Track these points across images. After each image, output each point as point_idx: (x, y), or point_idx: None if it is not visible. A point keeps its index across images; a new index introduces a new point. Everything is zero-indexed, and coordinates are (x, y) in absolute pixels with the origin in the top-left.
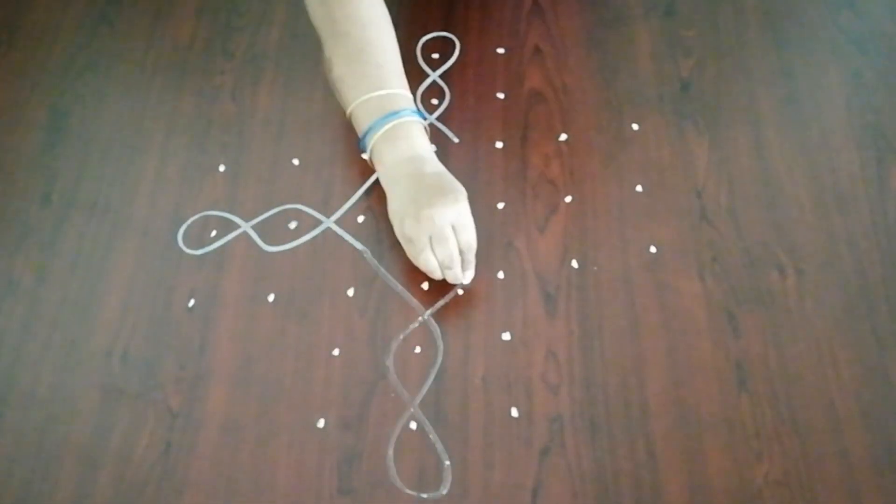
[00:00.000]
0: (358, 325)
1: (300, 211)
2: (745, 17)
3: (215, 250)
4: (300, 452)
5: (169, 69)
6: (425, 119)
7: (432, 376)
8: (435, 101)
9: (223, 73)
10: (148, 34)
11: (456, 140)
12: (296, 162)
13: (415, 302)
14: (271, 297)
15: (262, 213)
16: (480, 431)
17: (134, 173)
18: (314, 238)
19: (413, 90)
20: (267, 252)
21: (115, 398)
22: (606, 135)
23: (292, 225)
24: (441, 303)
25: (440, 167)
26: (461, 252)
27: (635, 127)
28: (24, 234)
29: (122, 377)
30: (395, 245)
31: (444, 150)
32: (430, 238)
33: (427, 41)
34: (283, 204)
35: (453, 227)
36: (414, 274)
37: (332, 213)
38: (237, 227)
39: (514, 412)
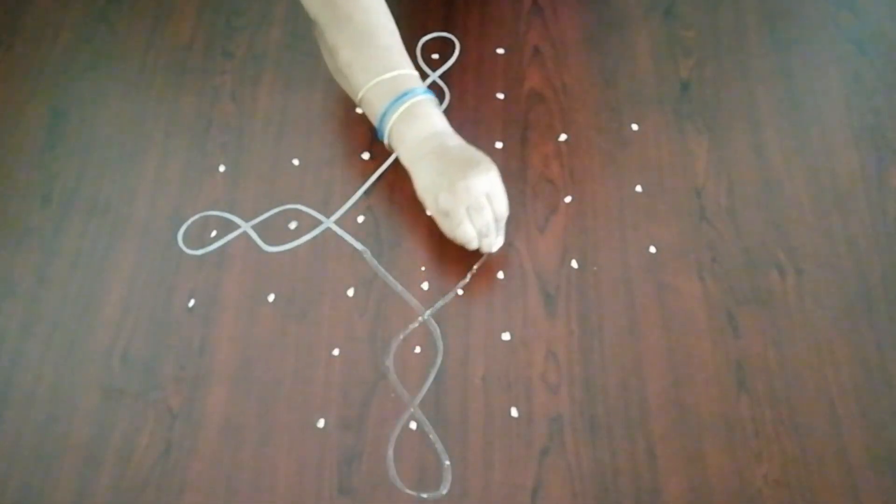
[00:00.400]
0: (358, 325)
1: (300, 211)
2: (745, 17)
3: (215, 250)
4: (300, 452)
5: (169, 69)
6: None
7: (432, 376)
8: None
9: (223, 73)
10: (148, 34)
11: None
12: (296, 162)
13: (415, 302)
14: (271, 297)
15: (262, 214)
16: (480, 431)
17: (134, 173)
18: (314, 238)
19: None
20: (267, 252)
21: (115, 398)
22: (606, 135)
23: (292, 225)
24: (441, 303)
25: (461, 140)
26: (494, 220)
27: (635, 127)
28: (24, 234)
29: (122, 377)
30: (395, 245)
31: None
32: (467, 209)
33: (427, 41)
34: (283, 204)
35: (487, 196)
36: (414, 274)
37: (332, 213)
38: (237, 227)
39: (514, 412)
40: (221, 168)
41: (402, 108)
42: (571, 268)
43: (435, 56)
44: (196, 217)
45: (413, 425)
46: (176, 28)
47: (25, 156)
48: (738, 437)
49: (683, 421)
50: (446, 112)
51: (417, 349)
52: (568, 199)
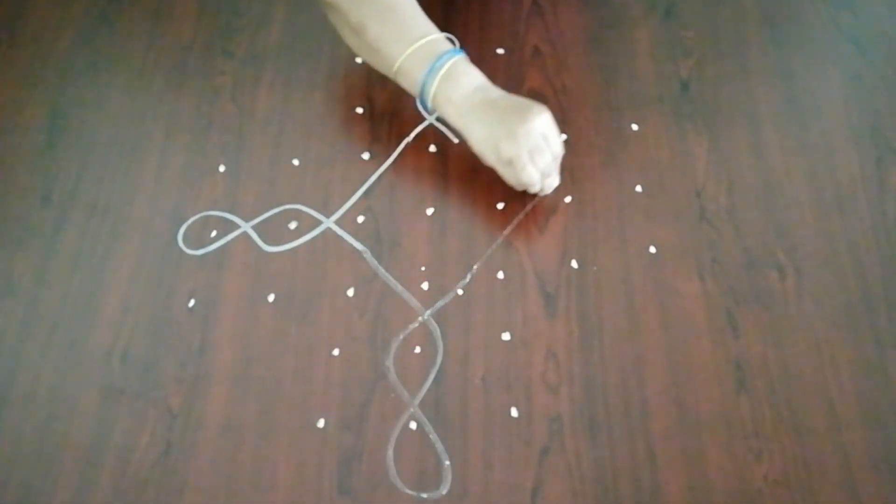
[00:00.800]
0: (358, 325)
1: (300, 211)
2: (745, 18)
3: (215, 250)
4: (300, 452)
5: (169, 69)
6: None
7: (432, 376)
8: None
9: (223, 73)
10: (148, 34)
11: (456, 140)
12: (296, 162)
13: (415, 302)
14: (271, 297)
15: (262, 214)
16: (480, 431)
17: (134, 173)
18: (314, 238)
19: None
20: (267, 252)
21: (115, 398)
22: (606, 135)
23: (292, 225)
24: (441, 303)
25: (503, 91)
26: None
27: (635, 127)
28: (24, 234)
29: (122, 377)
30: (395, 245)
31: (444, 150)
32: (529, 152)
33: None
34: (283, 204)
35: (543, 137)
36: (414, 274)
37: (332, 213)
38: (237, 227)
39: (514, 412)
40: (221, 168)
41: (443, 70)
42: (571, 268)
43: None
44: (196, 217)
45: (413, 425)
46: (176, 28)
47: (25, 156)
48: (738, 437)
49: (683, 421)
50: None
51: (417, 349)
52: (568, 199)
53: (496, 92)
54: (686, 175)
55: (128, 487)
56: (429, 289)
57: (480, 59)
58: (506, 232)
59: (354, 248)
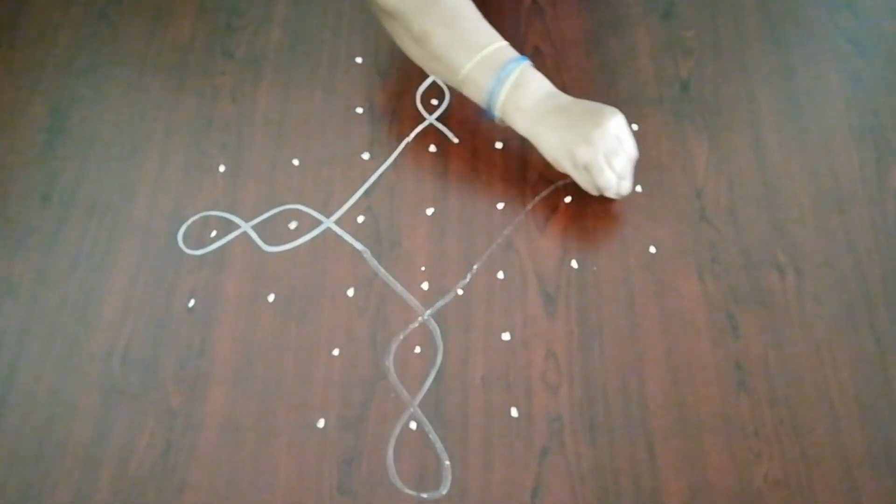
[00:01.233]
0: (358, 325)
1: (300, 211)
2: (745, 18)
3: (215, 250)
4: (300, 452)
5: (169, 69)
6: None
7: (432, 376)
8: (435, 102)
9: (223, 73)
10: (148, 34)
11: (456, 140)
12: (296, 162)
13: (415, 302)
14: (271, 297)
15: (262, 214)
16: (480, 431)
17: (134, 173)
18: (314, 238)
19: (413, 90)
20: (267, 252)
21: (115, 398)
22: None
23: (292, 225)
24: (441, 303)
25: (570, 96)
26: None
27: (635, 127)
28: (24, 234)
29: (122, 377)
30: (395, 245)
31: (444, 150)
32: (605, 155)
33: None
34: (283, 204)
35: (618, 139)
36: (414, 274)
37: (332, 213)
38: (237, 227)
39: (514, 412)
40: (221, 168)
41: (511, 78)
42: (571, 268)
43: None
44: (196, 217)
45: (413, 425)
46: (176, 28)
47: (25, 156)
48: (738, 437)
49: (683, 421)
50: (446, 112)
51: (417, 349)
52: (568, 199)
53: (565, 98)
54: (686, 175)
55: (128, 487)
56: (429, 289)
57: None
58: (506, 232)
59: (354, 248)
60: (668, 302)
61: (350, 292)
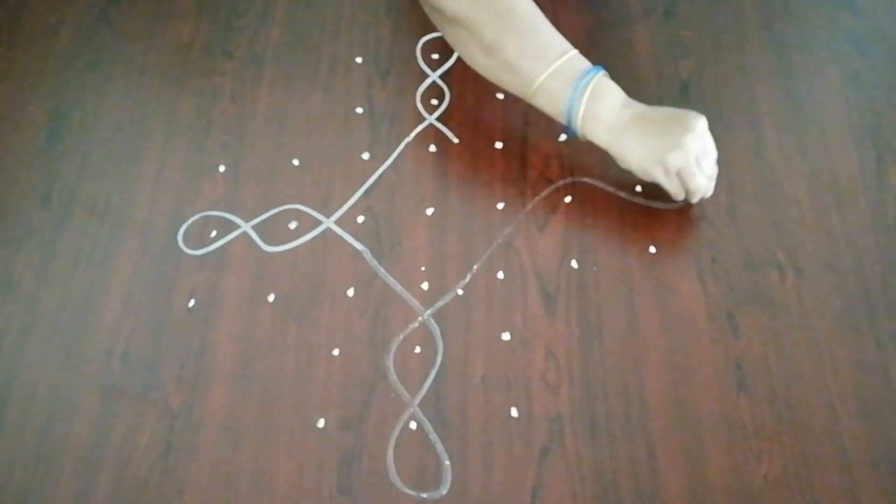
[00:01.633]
0: (358, 325)
1: (300, 211)
2: (745, 18)
3: (215, 250)
4: (300, 452)
5: (169, 69)
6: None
7: (432, 376)
8: (435, 102)
9: (223, 73)
10: (148, 34)
11: (456, 140)
12: (296, 162)
13: (415, 302)
14: (271, 297)
15: (262, 213)
16: (480, 431)
17: (134, 173)
18: (314, 238)
19: (413, 90)
20: (267, 252)
21: (115, 398)
22: None
23: (292, 225)
24: (441, 303)
25: (645, 104)
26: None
27: None
28: (24, 234)
29: (122, 377)
30: (395, 245)
31: (444, 150)
32: (696, 159)
33: (427, 41)
34: (283, 204)
35: (705, 143)
36: (414, 274)
37: (332, 213)
38: (237, 227)
39: (514, 412)
40: (221, 168)
41: (590, 88)
42: (571, 268)
43: (435, 56)
44: (196, 217)
45: (413, 425)
46: (176, 28)
47: (25, 156)
48: (738, 437)
49: (683, 421)
50: (446, 112)
51: (417, 349)
52: (568, 199)
53: (642, 105)
54: None
55: (128, 487)
56: (429, 289)
57: None
58: (506, 232)
59: (354, 248)
60: (668, 302)
61: (350, 292)
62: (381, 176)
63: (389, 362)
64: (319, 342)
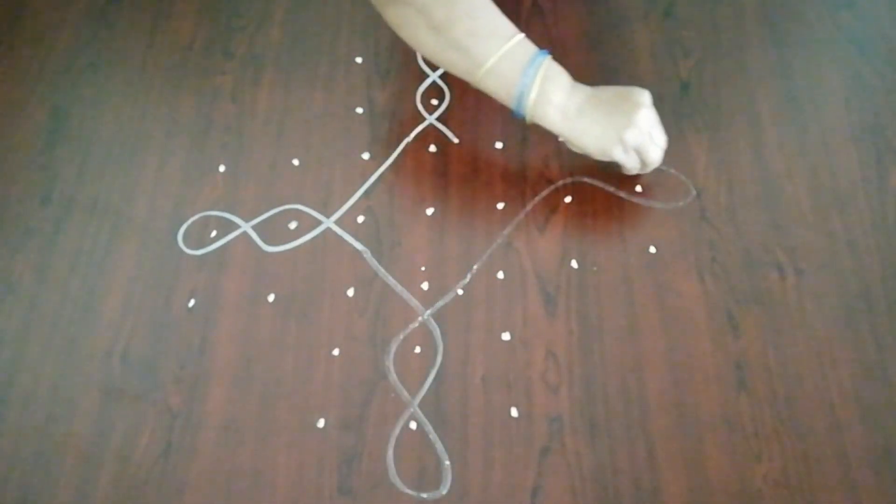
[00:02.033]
0: (358, 325)
1: (300, 211)
2: (745, 18)
3: (215, 250)
4: (300, 452)
5: (169, 69)
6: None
7: (432, 376)
8: (435, 102)
9: (223, 73)
10: (148, 34)
11: (456, 140)
12: (296, 162)
13: (415, 302)
14: (271, 297)
15: (262, 214)
16: (480, 431)
17: (134, 173)
18: (314, 238)
19: (413, 90)
20: (267, 252)
21: (115, 398)
22: None
23: (292, 225)
24: (441, 303)
25: (589, 86)
26: None
27: None
28: (24, 234)
29: (122, 377)
30: (395, 245)
31: (444, 150)
32: (649, 133)
33: None
34: (283, 204)
35: (652, 114)
36: (414, 274)
37: (332, 213)
38: (237, 227)
39: (514, 412)
40: (221, 168)
41: (542, 70)
42: (571, 268)
43: None
44: (196, 217)
45: (413, 425)
46: (176, 28)
47: (25, 156)
48: (738, 437)
49: (683, 421)
50: (446, 112)
51: (417, 349)
52: (568, 199)
53: (588, 87)
54: (686, 175)
55: (128, 487)
56: (429, 289)
57: None
58: (506, 232)
59: (354, 248)
60: (668, 302)
61: (350, 292)
62: (381, 176)
63: (389, 362)
64: (319, 342)
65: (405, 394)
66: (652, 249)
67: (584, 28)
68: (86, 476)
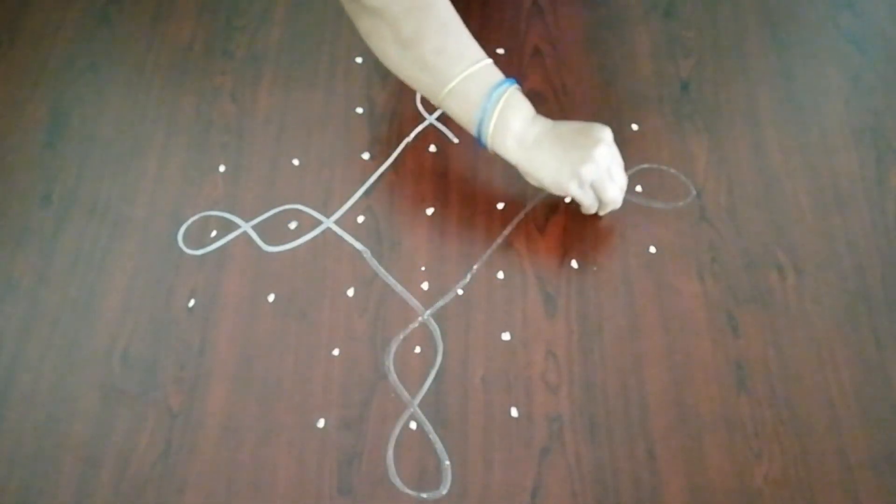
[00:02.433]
0: (358, 325)
1: (300, 211)
2: (745, 18)
3: (215, 250)
4: (300, 452)
5: (169, 69)
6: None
7: (432, 376)
8: None
9: (223, 73)
10: (148, 34)
11: (456, 140)
12: (296, 162)
13: (415, 302)
14: (271, 297)
15: (262, 213)
16: (480, 431)
17: (134, 173)
18: (314, 238)
19: (413, 90)
20: (267, 252)
21: (115, 398)
22: None
23: (292, 225)
24: (441, 303)
25: (551, 119)
26: None
27: (635, 127)
28: (24, 234)
29: (122, 377)
30: (395, 245)
31: (444, 150)
32: (607, 170)
33: None
34: (283, 204)
35: (613, 154)
36: (414, 274)
37: (332, 213)
38: (237, 227)
39: (514, 412)
40: (221, 168)
41: (504, 97)
42: (571, 268)
43: None
44: (196, 217)
45: (413, 425)
46: (176, 28)
47: (25, 156)
48: (738, 437)
49: (683, 421)
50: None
51: (417, 349)
52: (568, 199)
53: (549, 121)
54: (686, 175)
55: (128, 487)
56: (429, 289)
57: None
58: (506, 232)
59: (354, 248)
60: (668, 302)
61: (350, 292)
62: (381, 176)
63: (389, 362)
64: (319, 342)
65: (405, 394)
66: (652, 249)
67: (584, 28)
68: (86, 476)
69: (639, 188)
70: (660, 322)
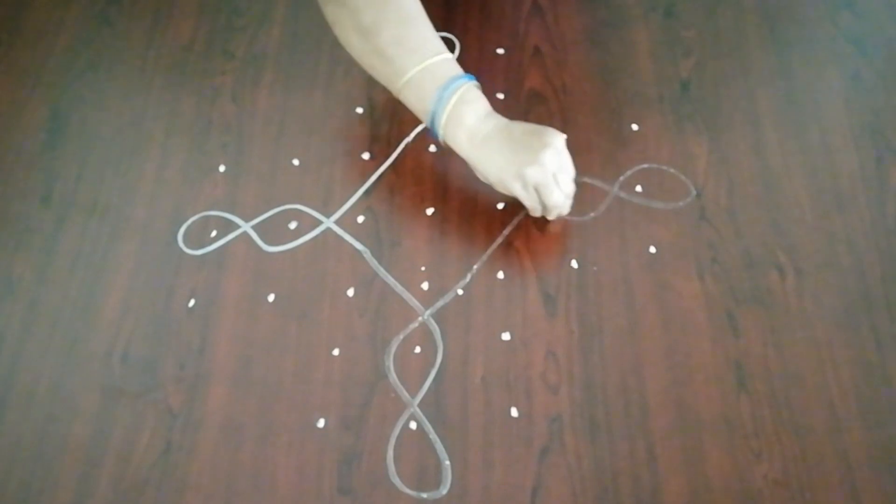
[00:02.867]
0: (358, 325)
1: (300, 211)
2: (745, 18)
3: (215, 250)
4: (300, 452)
5: (169, 69)
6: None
7: (432, 376)
8: None
9: (223, 73)
10: (148, 34)
11: None
12: (296, 162)
13: (415, 302)
14: (271, 297)
15: (262, 213)
16: (480, 431)
17: (134, 173)
18: (314, 238)
19: None
20: (267, 252)
21: (115, 398)
22: (606, 135)
23: (292, 225)
24: (441, 303)
25: (507, 119)
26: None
27: (635, 127)
28: (24, 234)
29: (122, 377)
30: (395, 245)
31: (444, 150)
32: (554, 175)
33: None
34: (283, 204)
35: (562, 160)
36: (414, 274)
37: (332, 213)
38: (237, 227)
39: (514, 412)
40: (221, 168)
41: (459, 92)
42: (571, 268)
43: None
44: (196, 217)
45: (413, 425)
46: (176, 28)
47: (25, 156)
48: (738, 437)
49: (683, 421)
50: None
51: (417, 349)
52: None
53: (504, 119)
54: (686, 175)
55: (128, 487)
56: (429, 289)
57: (480, 59)
58: (506, 232)
59: (354, 248)
60: (668, 302)
61: (350, 292)
62: (381, 176)
63: (389, 362)
64: (319, 342)
65: (405, 394)
66: (652, 249)
67: (584, 27)
68: (86, 476)
69: (639, 188)
70: (660, 322)
